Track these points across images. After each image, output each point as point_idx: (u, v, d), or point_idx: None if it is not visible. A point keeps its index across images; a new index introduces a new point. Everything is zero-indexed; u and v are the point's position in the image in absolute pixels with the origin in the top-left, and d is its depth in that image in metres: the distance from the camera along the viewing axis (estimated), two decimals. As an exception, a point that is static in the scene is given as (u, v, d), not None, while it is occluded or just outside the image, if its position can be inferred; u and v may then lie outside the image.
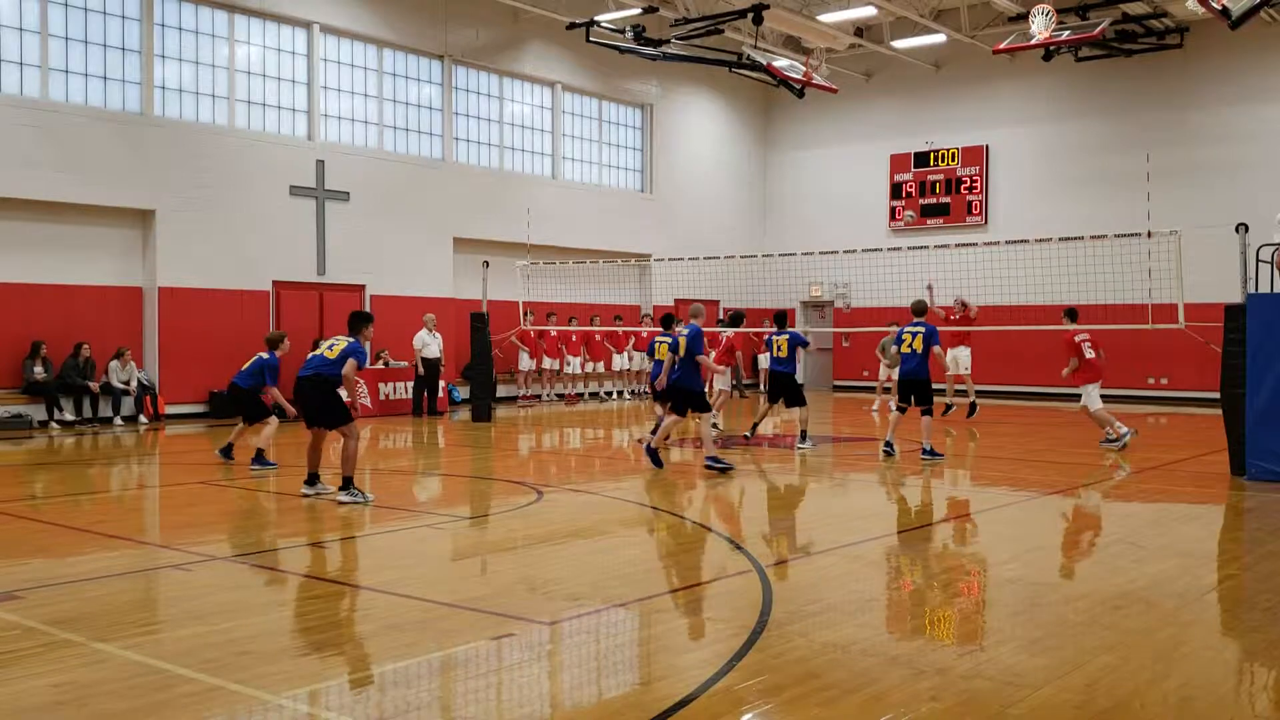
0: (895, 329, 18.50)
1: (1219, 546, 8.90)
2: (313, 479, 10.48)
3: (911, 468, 13.05)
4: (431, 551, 8.55)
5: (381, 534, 9.16)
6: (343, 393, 10.25)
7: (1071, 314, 15.63)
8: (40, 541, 8.54)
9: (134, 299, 18.92)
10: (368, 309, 21.75)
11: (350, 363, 10.03)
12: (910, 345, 13.32)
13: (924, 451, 13.43)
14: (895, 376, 17.20)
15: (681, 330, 12.73)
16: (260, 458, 12.60)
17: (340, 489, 10.08)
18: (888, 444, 13.69)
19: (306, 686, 5.05)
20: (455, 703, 4.88)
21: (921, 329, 13.26)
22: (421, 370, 20.52)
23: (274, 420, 12.89)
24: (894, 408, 14.04)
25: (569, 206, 25.51)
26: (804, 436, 14.86)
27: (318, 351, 10.51)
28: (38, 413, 17.24)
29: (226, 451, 13.16)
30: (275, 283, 20.44)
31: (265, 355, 12.76)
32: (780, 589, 6.82)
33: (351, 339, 10.31)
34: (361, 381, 10.27)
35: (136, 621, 6.21)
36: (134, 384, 18.25)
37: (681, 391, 12.49)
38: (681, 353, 12.37)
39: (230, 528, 9.47)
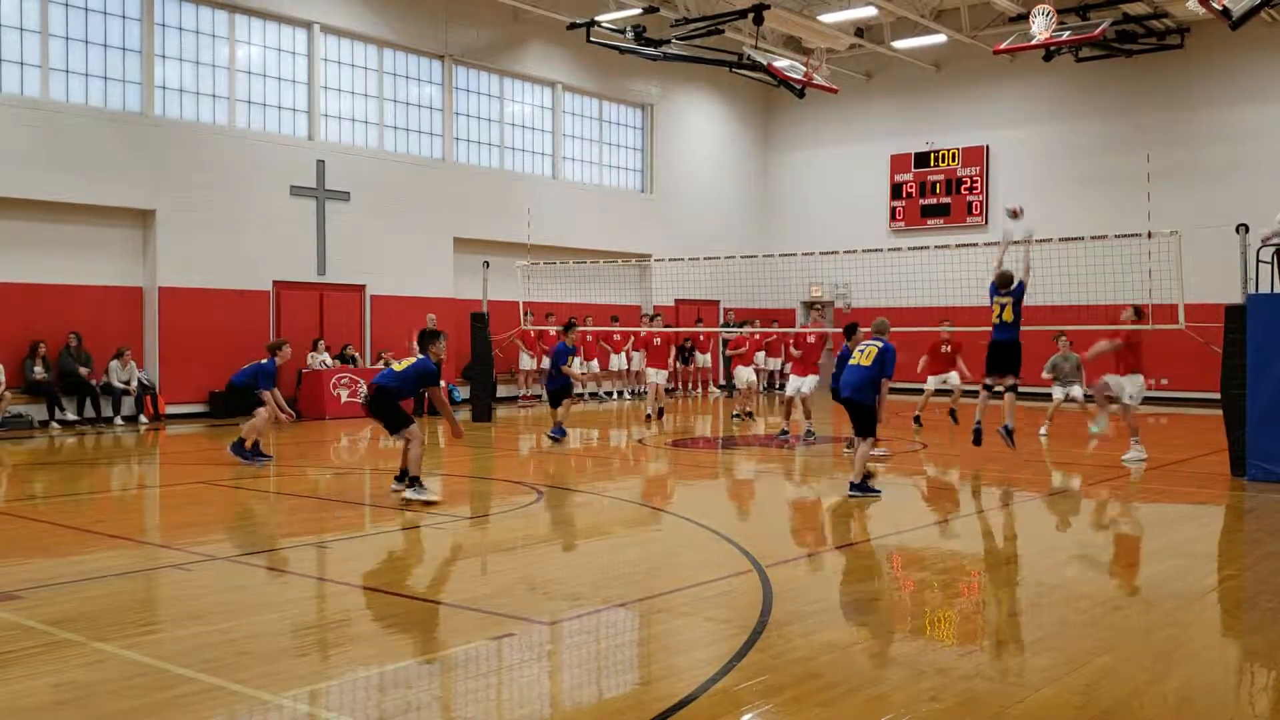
0: (1063, 340, 16.77)
1: (1219, 546, 8.90)
2: (402, 475, 10.60)
3: (916, 468, 13.04)
4: (431, 551, 8.55)
5: (381, 534, 9.16)
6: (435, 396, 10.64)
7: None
8: (40, 541, 8.54)
9: (134, 299, 18.91)
10: (368, 309, 21.79)
11: (434, 390, 10.53)
12: (1000, 316, 12.48)
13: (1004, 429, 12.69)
14: (1071, 395, 16.17)
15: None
16: (239, 447, 12.96)
17: (408, 486, 10.21)
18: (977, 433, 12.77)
19: (306, 686, 5.05)
20: (455, 703, 4.88)
21: (1010, 298, 12.46)
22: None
23: (261, 412, 13.14)
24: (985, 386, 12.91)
25: (569, 206, 25.50)
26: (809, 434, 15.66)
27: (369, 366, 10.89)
28: (38, 413, 17.24)
29: (256, 451, 13.22)
30: (275, 283, 20.43)
31: (264, 361, 13.18)
32: (780, 589, 6.82)
33: (421, 356, 10.62)
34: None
35: (136, 621, 6.21)
36: (134, 384, 18.25)
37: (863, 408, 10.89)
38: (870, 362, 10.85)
39: (230, 527, 9.47)
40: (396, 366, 10.59)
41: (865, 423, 10.72)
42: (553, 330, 23.66)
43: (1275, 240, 12.60)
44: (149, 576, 7.40)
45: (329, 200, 21.11)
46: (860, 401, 10.71)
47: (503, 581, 7.32)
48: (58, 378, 17.53)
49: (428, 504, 9.97)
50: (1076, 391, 16.42)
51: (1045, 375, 16.89)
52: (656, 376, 18.86)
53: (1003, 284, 12.52)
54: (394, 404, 10.43)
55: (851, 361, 10.89)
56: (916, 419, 17.10)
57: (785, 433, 16.10)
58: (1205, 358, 15.29)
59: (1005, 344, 12.52)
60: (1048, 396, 16.95)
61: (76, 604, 6.45)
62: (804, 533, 9.60)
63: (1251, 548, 8.66)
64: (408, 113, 22.92)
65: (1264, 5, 16.48)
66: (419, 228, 22.51)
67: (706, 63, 24.12)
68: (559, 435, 15.64)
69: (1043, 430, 16.65)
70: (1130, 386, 13.25)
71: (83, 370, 17.60)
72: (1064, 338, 16.86)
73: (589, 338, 24.67)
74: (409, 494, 10.15)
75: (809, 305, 17.49)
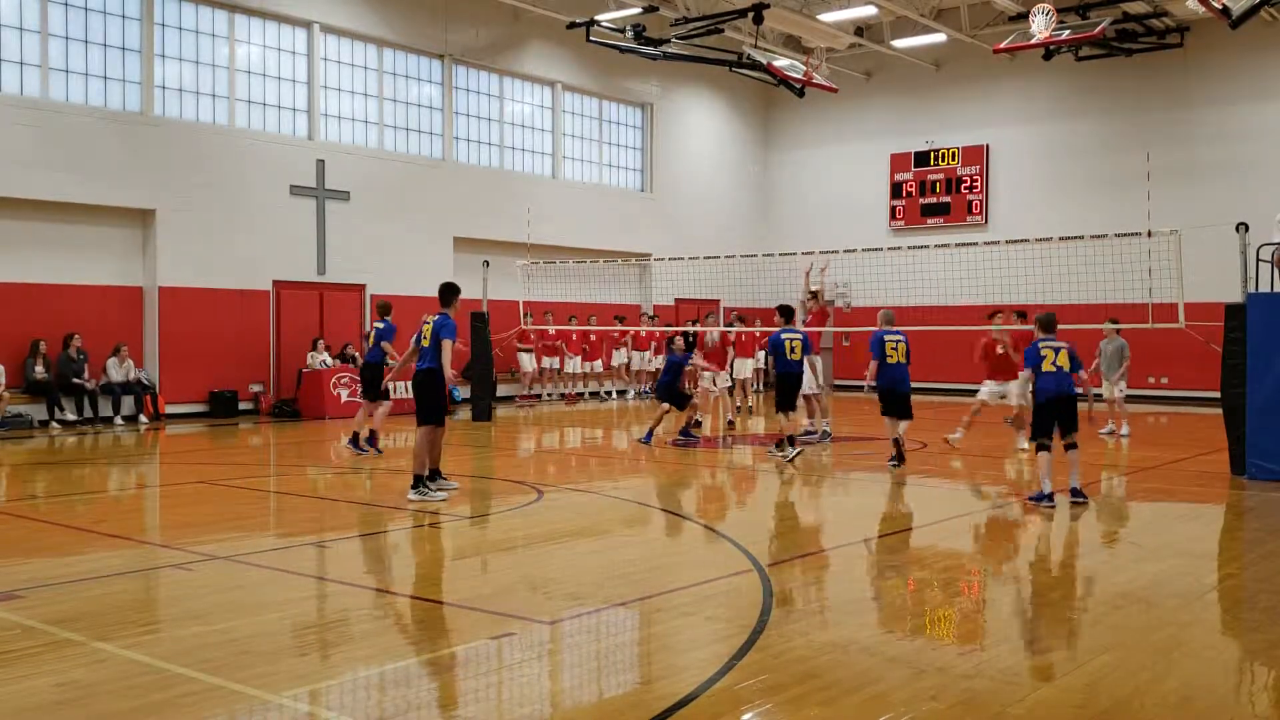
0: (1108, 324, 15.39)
1: (1219, 546, 8.91)
2: (433, 475, 10.56)
3: (920, 467, 13.04)
4: (431, 551, 8.56)
5: (382, 534, 9.16)
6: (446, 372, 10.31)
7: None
8: (40, 541, 8.54)
9: (134, 299, 18.91)
10: (367, 309, 21.77)
11: (445, 343, 10.06)
12: (1054, 362, 10.14)
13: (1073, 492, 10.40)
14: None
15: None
16: (372, 439, 13.40)
17: (411, 487, 10.19)
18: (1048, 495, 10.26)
19: (306, 686, 5.06)
20: (455, 703, 4.89)
21: (1064, 345, 10.27)
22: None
23: (387, 403, 13.33)
24: (1028, 445, 11.85)
25: (569, 206, 25.50)
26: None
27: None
28: (38, 412, 17.24)
29: (355, 441, 13.52)
30: (275, 282, 20.44)
31: (380, 325, 13.30)
32: (780, 589, 6.82)
33: (441, 313, 10.37)
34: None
35: (137, 621, 6.21)
36: (131, 378, 18.20)
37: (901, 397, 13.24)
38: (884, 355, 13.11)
39: (230, 527, 9.47)
40: (425, 343, 10.30)
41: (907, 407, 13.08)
42: (552, 329, 23.69)
43: None
44: (149, 576, 7.40)
45: (329, 200, 21.11)
46: (908, 391, 13.03)
47: (503, 581, 7.32)
48: (57, 378, 17.52)
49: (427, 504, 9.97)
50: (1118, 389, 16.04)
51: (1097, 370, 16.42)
52: (717, 382, 17.81)
53: (1045, 327, 10.55)
54: (436, 385, 10.22)
55: (890, 360, 12.89)
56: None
57: (811, 432, 15.80)
58: (1205, 357, 15.30)
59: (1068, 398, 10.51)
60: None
61: (77, 604, 6.45)
62: (804, 532, 9.60)
63: (1251, 547, 8.66)
64: (407, 112, 22.92)
65: (1264, 4, 16.48)
66: (419, 228, 22.51)
67: (706, 62, 24.11)
68: (686, 437, 15.84)
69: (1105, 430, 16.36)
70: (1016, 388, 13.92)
71: (86, 382, 17.59)
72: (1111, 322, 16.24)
73: (592, 337, 24.69)
74: (411, 494, 10.13)
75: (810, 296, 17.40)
